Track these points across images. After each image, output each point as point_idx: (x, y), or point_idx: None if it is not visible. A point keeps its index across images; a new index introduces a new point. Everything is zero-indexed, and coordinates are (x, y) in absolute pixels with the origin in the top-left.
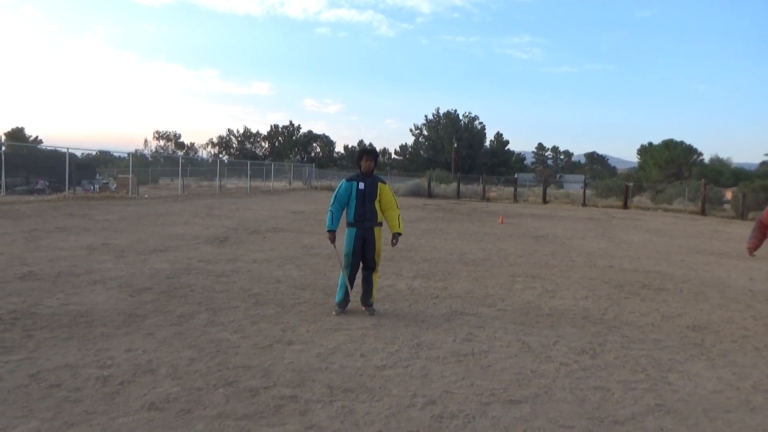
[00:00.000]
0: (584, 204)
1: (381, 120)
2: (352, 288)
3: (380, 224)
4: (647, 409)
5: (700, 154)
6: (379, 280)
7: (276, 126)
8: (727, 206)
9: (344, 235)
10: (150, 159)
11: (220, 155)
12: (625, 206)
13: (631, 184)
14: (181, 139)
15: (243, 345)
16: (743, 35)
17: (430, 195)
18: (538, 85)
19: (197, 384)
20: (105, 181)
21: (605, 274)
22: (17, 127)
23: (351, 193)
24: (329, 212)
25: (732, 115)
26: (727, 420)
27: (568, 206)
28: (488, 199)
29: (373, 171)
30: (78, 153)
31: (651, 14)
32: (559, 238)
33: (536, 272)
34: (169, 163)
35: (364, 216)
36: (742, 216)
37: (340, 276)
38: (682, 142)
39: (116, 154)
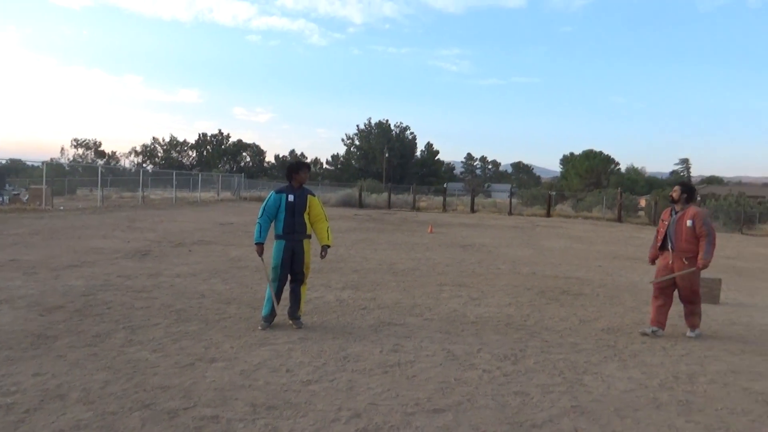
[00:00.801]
0: (510, 213)
1: (312, 129)
2: (279, 302)
3: (309, 236)
4: (563, 411)
5: (617, 163)
6: (307, 292)
7: (204, 134)
8: (641, 213)
9: (272, 248)
10: (67, 168)
11: (144, 165)
12: (549, 214)
13: (553, 193)
14: (102, 148)
15: (162, 364)
16: (655, 51)
17: (361, 205)
18: (467, 97)
19: (111, 408)
20: (16, 192)
21: (528, 281)
22: None
23: (280, 206)
24: (257, 224)
25: (646, 127)
26: (635, 418)
27: (495, 215)
28: (418, 209)
29: (303, 183)
30: None
31: (572, 30)
32: (486, 246)
33: (463, 281)
34: (88, 172)
35: (293, 228)
36: (654, 222)
37: (267, 289)
38: (600, 152)
39: (29, 163)
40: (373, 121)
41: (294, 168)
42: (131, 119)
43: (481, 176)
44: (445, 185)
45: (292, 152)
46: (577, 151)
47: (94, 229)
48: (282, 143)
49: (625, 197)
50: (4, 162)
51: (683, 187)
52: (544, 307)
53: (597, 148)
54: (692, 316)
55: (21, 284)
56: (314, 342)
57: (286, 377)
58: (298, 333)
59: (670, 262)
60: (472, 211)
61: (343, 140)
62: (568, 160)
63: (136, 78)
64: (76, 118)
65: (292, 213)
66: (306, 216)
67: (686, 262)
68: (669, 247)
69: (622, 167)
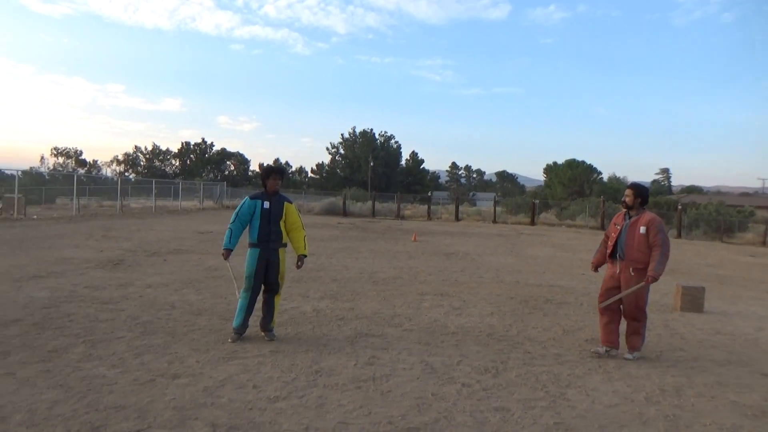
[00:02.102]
0: (495, 221)
1: (297, 138)
2: (251, 313)
3: (285, 245)
4: (545, 429)
5: (600, 172)
6: (283, 302)
7: (187, 143)
8: None
9: (246, 256)
10: (47, 177)
11: (126, 174)
12: (533, 222)
13: (537, 201)
14: (83, 156)
15: (120, 381)
16: (634, 63)
17: (345, 213)
18: (450, 106)
19: (56, 431)
20: None
21: (511, 290)
22: None
23: (255, 212)
24: (228, 230)
25: (627, 137)
26: None
27: (479, 223)
28: (403, 217)
29: (277, 190)
30: None
31: (553, 42)
32: (469, 254)
33: (445, 290)
34: (68, 181)
35: (268, 237)
36: None
37: (239, 300)
38: (583, 162)
39: (8, 172)
40: (357, 130)
41: (264, 173)
42: (113, 128)
43: (465, 185)
44: (429, 193)
45: (277, 161)
46: (560, 161)
47: (66, 238)
48: (267, 152)
49: (608, 205)
50: None
51: (636, 190)
52: (527, 316)
53: (579, 158)
54: (635, 335)
55: None
56: (286, 355)
57: (253, 394)
58: (269, 345)
59: (617, 271)
60: (457, 219)
61: (327, 149)
62: (551, 169)
63: (118, 86)
64: (57, 126)
65: (268, 221)
66: (282, 224)
67: (633, 273)
68: (617, 255)
69: (605, 176)
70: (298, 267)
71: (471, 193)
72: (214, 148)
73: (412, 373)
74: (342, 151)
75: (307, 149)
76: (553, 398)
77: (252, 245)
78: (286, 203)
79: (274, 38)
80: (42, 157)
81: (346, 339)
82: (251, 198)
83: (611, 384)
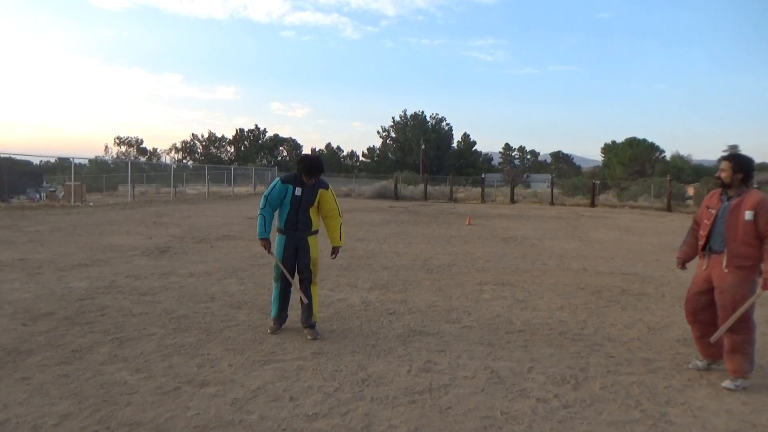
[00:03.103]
0: (552, 203)
1: (348, 123)
2: (286, 305)
3: (315, 232)
4: None
5: (662, 151)
6: (330, 293)
7: (241, 130)
8: (689, 202)
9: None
10: (112, 165)
11: (184, 160)
12: (593, 204)
13: (597, 182)
14: (144, 145)
15: (141, 390)
16: (698, 36)
17: (396, 197)
18: (503, 87)
19: None
20: (52, 189)
21: (580, 279)
22: None
23: (285, 197)
24: (260, 216)
25: (691, 113)
26: None
27: (536, 205)
28: (456, 200)
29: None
30: (35, 160)
31: (609, 16)
32: (528, 239)
33: (506, 278)
34: (133, 169)
35: (296, 225)
36: None
37: (273, 288)
38: (644, 140)
39: (77, 161)
40: (408, 113)
41: (303, 168)
42: (172, 117)
43: (519, 166)
44: (483, 176)
45: (328, 146)
46: (619, 140)
47: (118, 225)
48: (318, 137)
49: (673, 185)
50: (53, 160)
51: (735, 162)
52: (603, 310)
53: (640, 136)
54: (737, 355)
55: (19, 287)
56: (329, 358)
57: (288, 409)
58: (311, 345)
59: (711, 269)
60: (512, 201)
61: (378, 133)
62: (609, 149)
63: (176, 76)
64: (120, 116)
65: (297, 209)
66: (313, 211)
67: (733, 272)
68: (713, 247)
69: (667, 155)
70: (333, 258)
71: (525, 175)
72: (267, 134)
73: (476, 383)
74: (393, 134)
75: (358, 133)
76: (653, 420)
77: (279, 231)
78: (320, 190)
79: (324, 23)
80: (106, 146)
81: (397, 338)
82: (282, 181)
83: (721, 401)
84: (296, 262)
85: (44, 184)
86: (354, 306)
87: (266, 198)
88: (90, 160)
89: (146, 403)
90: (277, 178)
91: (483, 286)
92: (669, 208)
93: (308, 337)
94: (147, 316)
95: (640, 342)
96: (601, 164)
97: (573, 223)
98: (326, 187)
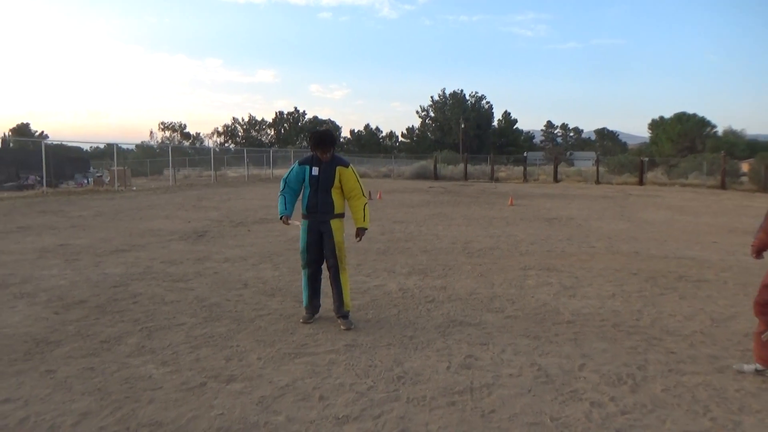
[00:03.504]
0: (597, 181)
1: (387, 103)
2: (316, 294)
3: (339, 215)
4: None
5: (714, 126)
6: (366, 278)
7: (281, 113)
8: (744, 179)
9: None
10: (157, 150)
11: (226, 144)
12: (641, 182)
13: (646, 159)
14: (187, 129)
15: (166, 385)
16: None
17: (436, 177)
18: (544, 63)
19: None
20: (99, 174)
21: (632, 263)
22: (22, 123)
23: (304, 179)
24: (280, 197)
25: (744, 86)
26: None
27: (580, 184)
28: (497, 180)
29: (332, 156)
30: (85, 146)
31: None
32: (574, 219)
33: (552, 263)
34: (175, 153)
35: (316, 208)
36: (765, 189)
37: (302, 275)
38: (694, 115)
39: (123, 147)
40: (447, 92)
41: (313, 143)
42: (213, 101)
43: (562, 144)
44: (524, 154)
45: (367, 126)
46: (667, 115)
47: (159, 209)
48: (357, 118)
49: (727, 162)
50: (102, 146)
51: None
52: (659, 299)
53: (690, 111)
54: None
55: (56, 273)
56: (363, 351)
57: (317, 409)
58: (345, 337)
59: None
60: (556, 180)
61: (417, 112)
62: (657, 125)
63: (217, 61)
64: (163, 101)
65: (316, 189)
66: (335, 192)
67: None
68: None
69: (719, 130)
70: (358, 240)
71: (568, 153)
72: (307, 117)
73: (522, 383)
74: (432, 113)
75: (397, 113)
76: None
77: (303, 216)
78: (339, 168)
79: (360, 3)
80: (151, 132)
81: (436, 329)
82: (300, 163)
83: None
84: (322, 248)
85: (91, 169)
86: (391, 293)
87: (285, 181)
88: (136, 146)
89: (169, 401)
90: (296, 162)
91: (527, 271)
92: (723, 186)
93: (341, 327)
94: (178, 305)
95: (704, 336)
96: (648, 141)
97: (621, 202)
98: (345, 165)
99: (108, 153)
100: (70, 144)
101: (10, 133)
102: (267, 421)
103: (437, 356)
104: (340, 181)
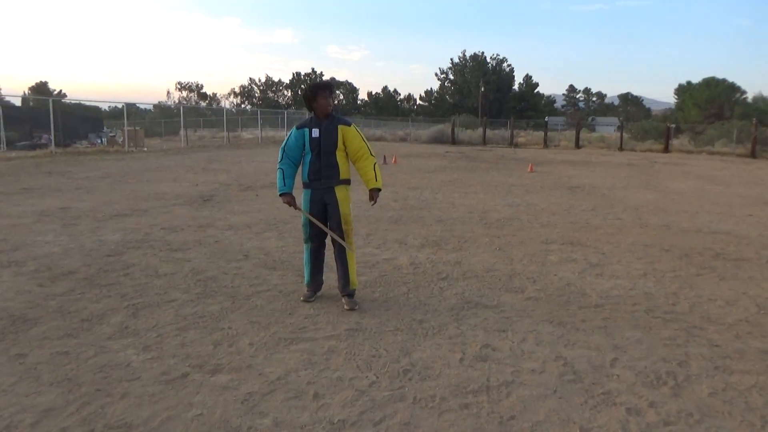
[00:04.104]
0: (621, 148)
1: (406, 65)
2: (319, 271)
3: (346, 182)
4: None
5: (744, 92)
6: (376, 251)
7: (298, 74)
8: None
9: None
10: (174, 110)
11: (242, 105)
12: (666, 149)
13: (673, 125)
14: (204, 90)
15: (144, 375)
16: None
17: (454, 141)
18: (568, 25)
19: None
20: (112, 134)
21: (663, 238)
22: (41, 82)
23: (304, 145)
24: (278, 171)
25: None
26: None
27: (603, 151)
28: (516, 145)
29: (331, 111)
30: (104, 106)
31: None
32: (597, 188)
33: (575, 236)
34: (191, 114)
35: (319, 173)
36: None
37: (304, 249)
38: (723, 80)
39: (142, 107)
40: (467, 54)
41: (309, 94)
42: (231, 61)
43: (584, 109)
44: (545, 119)
45: (385, 89)
46: (695, 80)
47: (168, 171)
48: (375, 81)
49: (758, 129)
50: (120, 106)
51: None
52: (696, 280)
53: (719, 76)
54: None
55: (50, 239)
56: (367, 337)
57: (310, 410)
58: (348, 319)
59: None
60: (577, 146)
61: (436, 75)
62: (684, 90)
63: (235, 20)
64: (180, 61)
65: (318, 153)
66: (341, 156)
67: None
68: None
69: (749, 96)
70: (373, 204)
71: (591, 118)
72: (324, 78)
73: (545, 381)
74: (451, 76)
75: (416, 76)
76: None
77: (304, 185)
78: (341, 127)
79: None
80: (168, 92)
81: (449, 311)
82: (298, 127)
83: None
84: (326, 221)
85: (104, 129)
86: (401, 268)
87: (283, 150)
88: (154, 106)
89: (144, 396)
90: (293, 128)
91: (549, 245)
92: (753, 155)
93: (345, 307)
94: (172, 278)
95: (750, 325)
96: (673, 107)
97: (646, 170)
98: (348, 124)
99: (126, 113)
100: (88, 103)
101: (28, 92)
102: (251, 425)
103: (449, 345)
104: (343, 143)
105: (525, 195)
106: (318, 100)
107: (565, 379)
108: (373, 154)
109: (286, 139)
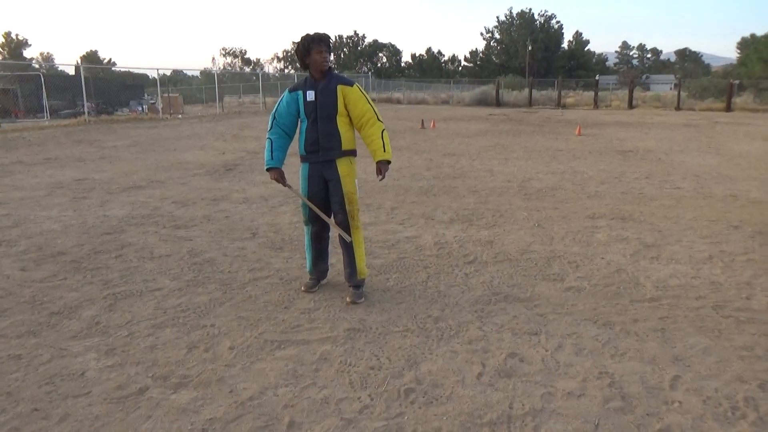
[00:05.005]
0: (678, 108)
1: (450, 25)
2: (322, 257)
3: (349, 153)
4: None
5: None
6: (399, 227)
7: (340, 36)
8: None
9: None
10: (220, 77)
11: (285, 70)
12: (728, 108)
13: (736, 81)
14: (247, 55)
15: (95, 390)
16: None
17: (498, 104)
18: None
19: None
20: (153, 101)
21: (730, 211)
22: (91, 51)
23: (298, 110)
24: (267, 141)
25: None
26: None
27: (659, 111)
28: (564, 106)
29: (329, 69)
30: (152, 73)
31: None
32: (652, 152)
33: (627, 209)
34: (236, 79)
35: (317, 144)
36: None
37: (305, 233)
38: None
39: (188, 73)
40: (514, 12)
41: (303, 49)
42: (275, 26)
43: (638, 67)
44: (596, 78)
45: (429, 50)
46: (760, 33)
47: (197, 138)
48: (419, 42)
49: None
50: (168, 73)
51: None
52: None
53: None
54: None
55: (54, 215)
56: (369, 340)
57: None
58: (351, 315)
59: None
60: (630, 106)
61: (482, 34)
62: (748, 44)
63: None
64: (225, 28)
65: (315, 120)
66: (342, 123)
67: None
68: None
69: None
70: (381, 178)
71: (645, 76)
72: (366, 41)
73: (585, 409)
74: (497, 35)
75: (461, 36)
76: None
77: (301, 159)
78: (341, 87)
79: None
80: (213, 58)
81: (472, 306)
82: (290, 90)
83: None
84: (328, 199)
85: (145, 96)
86: (424, 249)
87: (273, 117)
88: (201, 72)
89: (86, 420)
90: (286, 90)
91: (596, 220)
92: None
93: (347, 299)
94: (166, 260)
95: None
96: (734, 62)
97: (707, 132)
98: (350, 84)
99: (174, 80)
100: (136, 71)
101: (80, 60)
102: None
103: (467, 353)
104: (345, 106)
105: (571, 161)
106: (312, 55)
107: (611, 408)
108: (380, 119)
109: (277, 103)
